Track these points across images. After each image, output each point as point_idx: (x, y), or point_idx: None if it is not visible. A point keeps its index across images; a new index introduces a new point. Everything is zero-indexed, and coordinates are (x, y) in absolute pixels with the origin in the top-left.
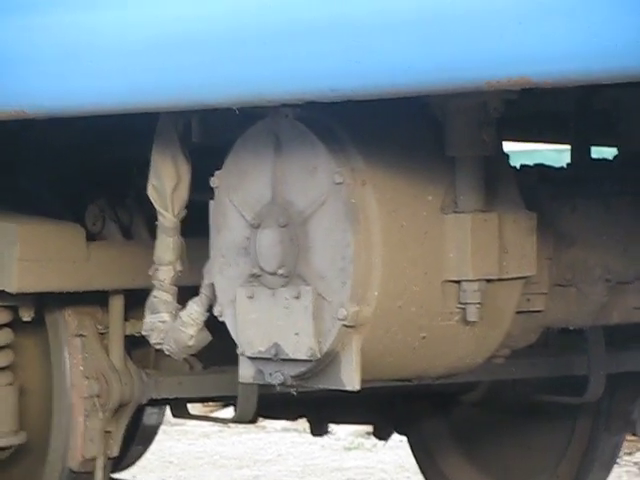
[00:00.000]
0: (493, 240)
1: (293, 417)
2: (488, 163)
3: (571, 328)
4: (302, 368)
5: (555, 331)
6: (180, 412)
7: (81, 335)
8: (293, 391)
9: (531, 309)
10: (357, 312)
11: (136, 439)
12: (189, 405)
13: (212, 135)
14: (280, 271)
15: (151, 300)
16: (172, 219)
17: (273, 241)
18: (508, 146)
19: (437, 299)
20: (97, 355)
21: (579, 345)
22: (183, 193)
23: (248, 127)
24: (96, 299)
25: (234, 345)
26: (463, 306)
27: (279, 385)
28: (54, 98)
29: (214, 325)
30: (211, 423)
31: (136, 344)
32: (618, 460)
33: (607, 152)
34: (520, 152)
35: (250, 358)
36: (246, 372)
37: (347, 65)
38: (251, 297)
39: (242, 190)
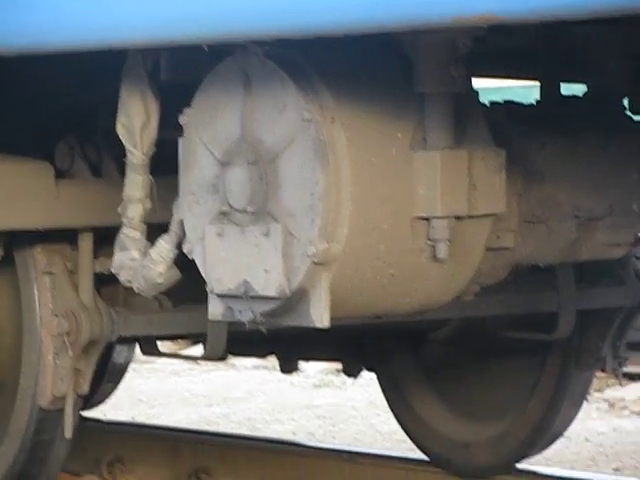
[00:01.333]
0: (462, 177)
1: (263, 354)
2: (457, 100)
3: (541, 265)
4: (271, 305)
5: (525, 268)
6: (150, 350)
7: (50, 273)
8: (262, 328)
9: (500, 246)
10: (326, 249)
11: (106, 377)
12: (159, 343)
13: (181, 72)
14: (249, 208)
15: (120, 238)
16: (141, 157)
17: (242, 178)
18: (477, 83)
19: (406, 236)
20: (66, 293)
21: (549, 282)
22: (152, 131)
23: (217, 64)
24: (65, 237)
25: (203, 282)
26: (432, 243)
27: (248, 322)
28: (21, 36)
29: (183, 262)
30: (181, 361)
31: (105, 282)
32: (588, 397)
33: (577, 89)
34: (489, 89)
35: (219, 296)
36: (215, 309)
37: (314, 1)
38: (220, 235)
39: (211, 127)
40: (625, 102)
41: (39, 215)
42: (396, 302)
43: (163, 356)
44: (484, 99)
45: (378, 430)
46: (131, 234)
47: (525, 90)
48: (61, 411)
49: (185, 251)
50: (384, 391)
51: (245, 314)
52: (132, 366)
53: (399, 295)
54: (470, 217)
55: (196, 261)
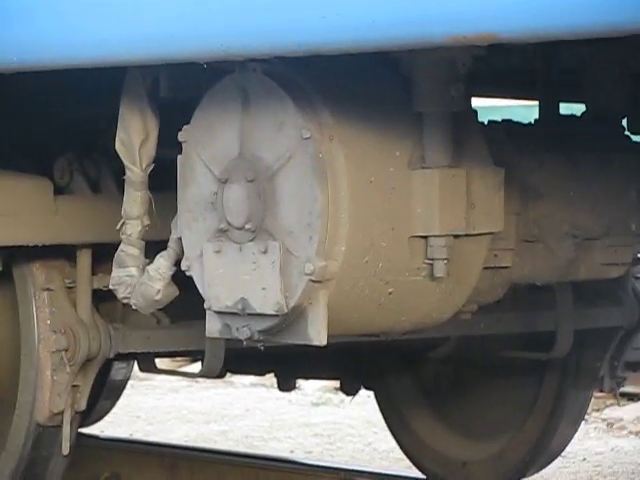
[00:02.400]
0: (460, 196)
1: (261, 372)
2: (456, 119)
3: (539, 284)
4: (269, 323)
5: (522, 287)
6: (147, 367)
7: (49, 289)
8: (260, 346)
9: (498, 265)
10: (324, 267)
11: (104, 394)
12: (157, 360)
13: (180, 90)
14: (247, 226)
15: (119, 254)
16: (140, 173)
17: (240, 196)
18: (477, 102)
19: (404, 254)
20: (65, 309)
21: (547, 301)
22: (151, 148)
23: (216, 82)
24: (64, 253)
25: (201, 300)
26: (430, 261)
27: (246, 340)
28: (20, 53)
29: (181, 280)
30: (179, 378)
31: (103, 298)
32: (586, 417)
33: (576, 109)
34: (489, 108)
35: (217, 313)
36: (213, 327)
37: (313, 20)
38: (218, 252)
39: (210, 145)
40: (624, 122)
41: (38, 231)
42: (394, 320)
43: (161, 373)
44: (483, 118)
45: (375, 448)
46: (129, 251)
47: (525, 110)
48: (59, 427)
49: (183, 268)
50: (382, 409)
51: (243, 331)
52: (130, 383)
53: (397, 313)
54: (468, 236)
55: (194, 278)
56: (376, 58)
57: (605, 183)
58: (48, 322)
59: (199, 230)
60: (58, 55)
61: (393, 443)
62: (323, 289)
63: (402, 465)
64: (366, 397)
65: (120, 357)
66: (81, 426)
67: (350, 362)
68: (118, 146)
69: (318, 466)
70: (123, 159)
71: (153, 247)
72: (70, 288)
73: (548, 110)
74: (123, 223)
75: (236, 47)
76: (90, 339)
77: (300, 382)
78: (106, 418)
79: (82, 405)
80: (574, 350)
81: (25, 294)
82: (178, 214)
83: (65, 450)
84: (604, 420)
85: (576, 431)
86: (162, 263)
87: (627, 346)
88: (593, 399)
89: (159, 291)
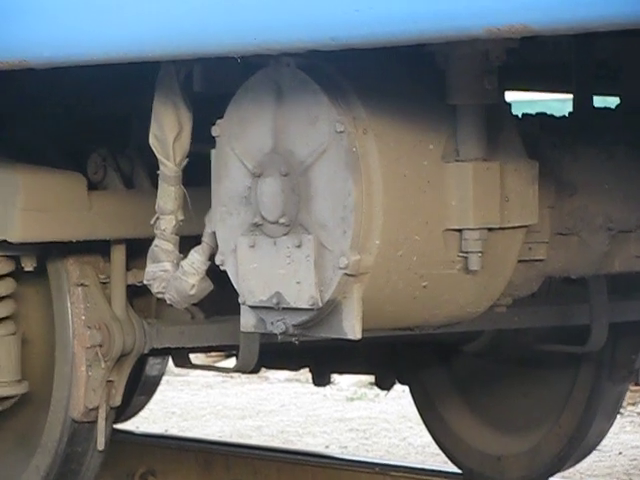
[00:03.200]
0: (495, 189)
1: (296, 367)
2: (490, 112)
3: (573, 277)
4: (304, 317)
5: (557, 280)
6: (182, 362)
7: (83, 285)
8: (295, 340)
9: (533, 258)
10: (358, 261)
11: (139, 389)
12: (192, 356)
13: (214, 84)
14: (281, 220)
15: (153, 249)
16: (174, 168)
17: (275, 190)
18: (511, 96)
19: (438, 248)
20: (99, 305)
21: (581, 294)
22: (185, 142)
23: (250, 76)
24: (98, 248)
25: (236, 294)
26: (465, 255)
27: (281, 334)
28: (55, 47)
29: (216, 274)
30: (214, 374)
31: (138, 293)
32: (622, 410)
33: (611, 102)
34: (523, 102)
35: (252, 307)
36: (248, 321)
37: (347, 13)
38: (252, 246)
39: (244, 139)
40: None
41: (72, 227)
42: (428, 314)
43: (196, 368)
44: (517, 112)
45: (411, 443)
46: (164, 246)
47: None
48: (94, 423)
49: (217, 263)
50: (417, 404)
51: (277, 326)
52: (165, 379)
53: (431, 307)
54: (502, 229)
55: (228, 273)
56: (409, 51)
57: (639, 175)
58: (83, 318)
59: (233, 224)
60: (92, 50)
61: (428, 438)
62: (357, 283)
63: (438, 460)
64: (401, 392)
65: (155, 352)
66: (116, 422)
67: (385, 357)
68: (152, 141)
69: (353, 461)
70: (157, 154)
71: (187, 242)
72: (104, 284)
73: (582, 103)
74: (157, 218)
75: (270, 41)
76: (125, 334)
77: (335, 377)
78: (141, 414)
79: (117, 401)
80: (609, 343)
81: (60, 290)
82: (212, 209)
83: (100, 446)
84: (639, 414)
85: (611, 425)
86: (196, 258)
87: None
88: (628, 393)
89: (193, 286)
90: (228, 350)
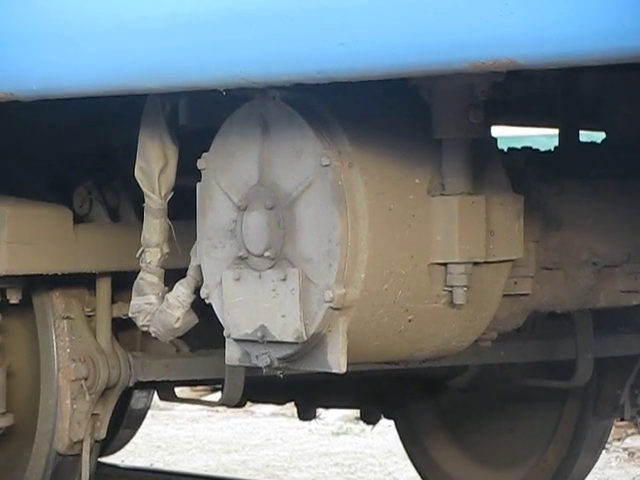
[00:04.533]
0: (480, 223)
1: (281, 401)
2: (475, 146)
3: (558, 312)
4: (289, 350)
5: (542, 315)
6: (167, 395)
7: (68, 317)
8: (280, 374)
9: (518, 292)
10: (343, 294)
11: (124, 423)
12: (177, 390)
13: (199, 117)
14: (267, 253)
15: (138, 282)
16: (159, 201)
17: (260, 223)
18: (498, 132)
19: (424, 282)
20: (84, 337)
21: (567, 329)
22: (170, 175)
23: (235, 109)
24: (83, 281)
25: (221, 327)
26: (450, 289)
27: (266, 367)
28: (42, 80)
29: (201, 307)
30: (200, 408)
31: (123, 326)
32: (607, 446)
33: (597, 137)
34: (511, 137)
35: (237, 340)
36: (233, 354)
37: (332, 47)
38: (238, 279)
39: (229, 172)
40: None
41: (57, 260)
42: (413, 348)
43: (181, 402)
44: (504, 146)
45: (396, 478)
46: (149, 279)
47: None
48: (78, 456)
49: (202, 296)
50: (402, 439)
51: (262, 359)
52: (150, 413)
53: (416, 341)
54: (488, 263)
55: (213, 306)
56: (395, 85)
57: (625, 210)
58: (68, 351)
59: (218, 258)
60: (77, 83)
61: (414, 473)
62: (343, 316)
63: None
64: (387, 426)
65: (140, 386)
66: (101, 455)
67: (370, 391)
68: (137, 174)
69: None
70: (142, 187)
71: (173, 275)
72: (90, 316)
73: (568, 137)
74: (142, 251)
75: (255, 74)
76: (110, 367)
77: (321, 411)
78: (126, 447)
79: (102, 434)
80: (594, 378)
81: (45, 323)
82: (197, 242)
83: (85, 479)
84: (625, 449)
85: (597, 460)
86: (181, 291)
87: None
88: (614, 428)
89: (178, 319)
90: (213, 384)
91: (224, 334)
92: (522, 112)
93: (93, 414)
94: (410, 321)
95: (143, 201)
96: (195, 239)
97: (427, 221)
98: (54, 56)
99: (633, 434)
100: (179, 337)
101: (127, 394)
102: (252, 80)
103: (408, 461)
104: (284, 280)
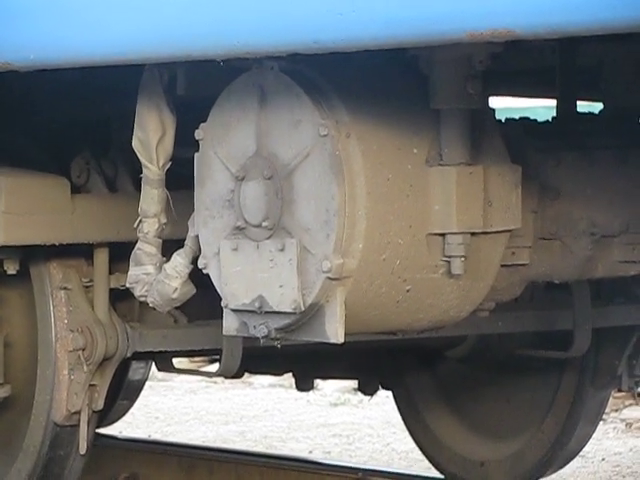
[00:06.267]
0: (478, 193)
1: (279, 372)
2: (473, 116)
3: (556, 282)
4: (286, 320)
5: (540, 285)
6: (165, 366)
7: (66, 288)
8: (277, 344)
9: (516, 262)
10: (341, 265)
11: (122, 394)
12: (175, 361)
13: (197, 88)
14: (264, 223)
15: (135, 252)
16: (157, 171)
17: (258, 193)
18: (496, 102)
19: (422, 252)
20: (82, 308)
21: (564, 299)
22: (168, 145)
23: (233, 80)
24: (81, 252)
25: (219, 298)
26: (448, 259)
27: (263, 338)
28: (39, 50)
29: (198, 278)
30: (198, 379)
31: (120, 297)
32: (605, 417)
33: (595, 107)
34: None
35: (234, 311)
36: (230, 325)
37: (330, 17)
38: (235, 249)
39: (227, 143)
40: None
41: (55, 230)
42: (411, 318)
43: (179, 373)
44: (501, 117)
45: (394, 449)
46: (146, 249)
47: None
48: (76, 427)
49: (200, 266)
50: (400, 409)
51: (260, 329)
52: (148, 384)
53: (414, 311)
54: (485, 233)
55: (211, 276)
56: (393, 55)
57: (623, 180)
58: (65, 321)
59: (216, 228)
60: (76, 53)
61: (412, 444)
62: (340, 287)
63: (421, 466)
64: (384, 397)
65: (138, 356)
66: (99, 426)
67: (368, 362)
68: (135, 144)
69: (336, 466)
70: (140, 157)
71: (170, 245)
72: (87, 287)
73: (566, 108)
74: (140, 221)
75: (253, 45)
76: (107, 338)
77: (318, 382)
78: (124, 418)
79: (99, 404)
80: (592, 349)
81: (42, 293)
82: (195, 212)
83: (82, 449)
84: (622, 420)
85: (594, 431)
86: (179, 261)
87: None
88: (611, 399)
89: (176, 289)
90: (211, 354)
91: (222, 304)
92: (520, 83)
93: (91, 385)
94: (408, 291)
95: (141, 171)
96: (193, 209)
97: (425, 191)
98: (51, 26)
99: (631, 405)
100: (177, 307)
101: (125, 365)
102: (249, 50)
103: (406, 432)
104: (282, 250)
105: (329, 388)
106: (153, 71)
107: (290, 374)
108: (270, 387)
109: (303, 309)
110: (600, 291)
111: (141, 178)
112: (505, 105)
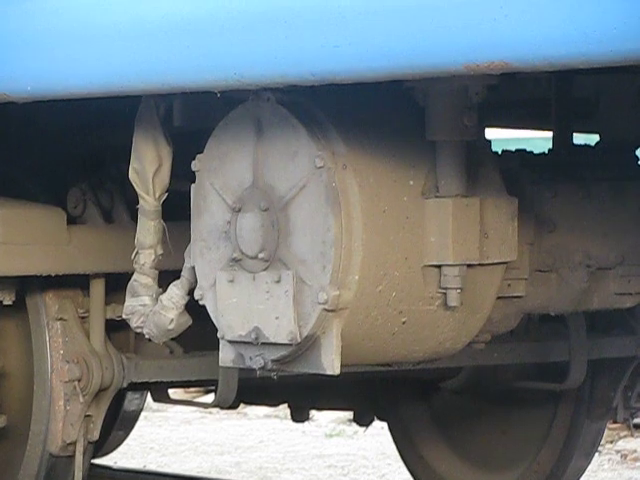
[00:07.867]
0: (474, 225)
1: (274, 403)
2: (469, 148)
3: (552, 314)
4: (282, 352)
5: (536, 317)
6: (161, 397)
7: (62, 319)
8: (273, 375)
9: (512, 294)
10: (337, 296)
11: (117, 425)
12: (171, 392)
13: (194, 119)
14: (261, 255)
15: (132, 284)
16: (153, 202)
17: (254, 225)
18: (493, 134)
19: (418, 284)
20: (78, 339)
21: (560, 331)
22: (164, 177)
23: (230, 111)
24: (77, 282)
25: (215, 329)
26: (444, 291)
27: (259, 369)
28: (36, 81)
29: (195, 309)
30: (193, 410)
31: (116, 328)
32: (600, 448)
33: (591, 139)
34: (509, 140)
35: (230, 342)
36: (226, 356)
37: (326, 49)
38: (231, 281)
39: (223, 174)
40: (638, 152)
41: (51, 261)
42: (407, 350)
43: (174, 403)
44: (498, 149)
45: None
46: (143, 280)
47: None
48: (71, 458)
49: (196, 297)
50: (395, 441)
51: (256, 361)
52: (144, 414)
53: (410, 343)
54: (482, 265)
55: (207, 307)
56: (389, 87)
57: (619, 213)
58: (61, 352)
59: (212, 259)
60: (72, 84)
61: (407, 475)
62: (336, 318)
63: None
64: (380, 428)
65: (133, 387)
66: (94, 457)
67: (363, 393)
68: (132, 175)
69: None
70: (137, 188)
71: (166, 276)
72: (83, 318)
73: (562, 140)
74: (136, 252)
75: (250, 76)
76: (103, 369)
77: (314, 413)
78: (119, 449)
79: (95, 435)
80: (587, 381)
81: (38, 324)
82: (191, 243)
83: None
84: (618, 452)
85: (589, 462)
86: (175, 292)
87: None
88: (607, 430)
89: (172, 320)
90: (207, 385)
91: (218, 335)
92: (516, 114)
93: (86, 415)
94: (404, 323)
95: (137, 202)
96: (189, 241)
97: (421, 223)
98: (49, 58)
99: (626, 436)
100: (173, 338)
101: (120, 395)
102: (246, 82)
103: (401, 463)
104: (278, 282)
105: (324, 419)
106: (149, 102)
107: (285, 405)
108: (265, 418)
109: (299, 340)
110: (596, 323)
111: (137, 209)
112: (503, 136)
